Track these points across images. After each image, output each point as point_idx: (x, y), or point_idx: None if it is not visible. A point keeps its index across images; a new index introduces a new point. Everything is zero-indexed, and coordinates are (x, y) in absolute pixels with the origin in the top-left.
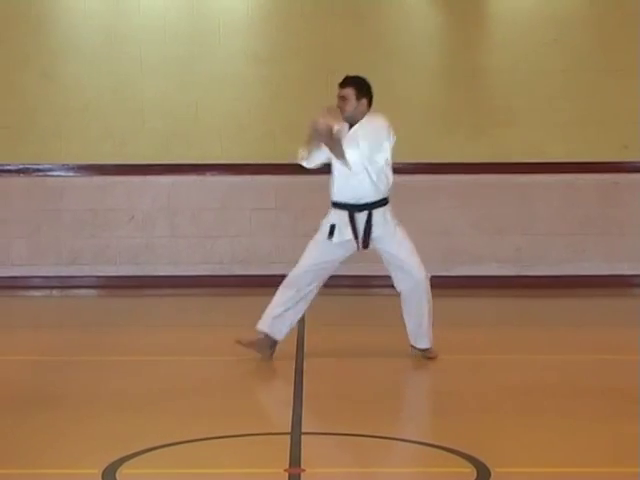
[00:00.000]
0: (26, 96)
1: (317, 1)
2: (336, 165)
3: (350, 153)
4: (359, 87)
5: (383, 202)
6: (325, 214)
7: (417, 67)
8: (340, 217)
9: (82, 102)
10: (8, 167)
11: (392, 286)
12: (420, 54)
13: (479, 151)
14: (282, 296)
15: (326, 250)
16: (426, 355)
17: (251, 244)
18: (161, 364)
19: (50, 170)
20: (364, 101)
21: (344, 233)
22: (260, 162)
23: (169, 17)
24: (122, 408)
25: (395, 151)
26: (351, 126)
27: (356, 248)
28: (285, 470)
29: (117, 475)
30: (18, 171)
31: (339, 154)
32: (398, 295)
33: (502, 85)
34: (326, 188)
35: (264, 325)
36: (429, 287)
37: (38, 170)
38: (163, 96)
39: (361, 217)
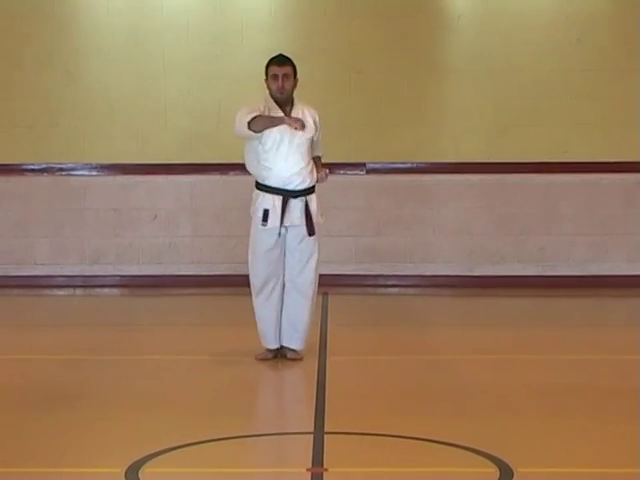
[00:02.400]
0: (49, 95)
1: (340, 0)
2: (272, 147)
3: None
4: (295, 66)
5: (314, 189)
6: (346, 213)
7: (440, 67)
8: (274, 202)
9: (105, 101)
10: (31, 166)
11: (408, 285)
12: (443, 53)
13: (502, 151)
14: (264, 310)
15: (269, 247)
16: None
17: None
18: (183, 363)
19: (73, 169)
20: (296, 81)
21: (278, 219)
22: None
23: (192, 16)
24: (144, 407)
25: (419, 151)
26: (280, 105)
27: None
28: (307, 469)
29: (140, 474)
30: (41, 170)
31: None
32: (413, 295)
33: (526, 85)
34: (349, 188)
35: (274, 343)
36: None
37: (61, 169)
38: (186, 95)
39: (296, 203)
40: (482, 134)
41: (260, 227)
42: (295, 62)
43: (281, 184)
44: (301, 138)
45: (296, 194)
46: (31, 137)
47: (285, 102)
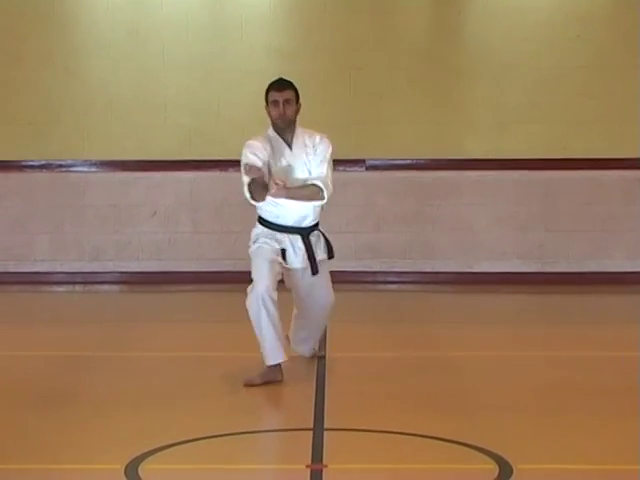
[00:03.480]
0: (49, 92)
1: None
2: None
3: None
4: (297, 91)
5: (318, 224)
6: (346, 210)
7: (440, 63)
8: (291, 241)
9: (105, 98)
10: (31, 163)
11: (408, 282)
12: (442, 50)
13: (502, 147)
14: (269, 328)
15: (274, 265)
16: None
17: None
18: (183, 360)
19: (73, 166)
20: (299, 106)
21: (297, 259)
22: None
23: (192, 13)
24: (144, 403)
25: (419, 148)
26: (281, 133)
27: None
28: (307, 466)
29: (139, 470)
30: (41, 167)
31: (307, 197)
32: (413, 291)
33: (525, 81)
34: (349, 184)
35: (277, 357)
36: None
37: (61, 166)
38: (186, 92)
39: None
40: (482, 131)
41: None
42: (294, 60)
43: (295, 222)
44: (303, 174)
45: (309, 230)
46: (31, 134)
47: (286, 129)
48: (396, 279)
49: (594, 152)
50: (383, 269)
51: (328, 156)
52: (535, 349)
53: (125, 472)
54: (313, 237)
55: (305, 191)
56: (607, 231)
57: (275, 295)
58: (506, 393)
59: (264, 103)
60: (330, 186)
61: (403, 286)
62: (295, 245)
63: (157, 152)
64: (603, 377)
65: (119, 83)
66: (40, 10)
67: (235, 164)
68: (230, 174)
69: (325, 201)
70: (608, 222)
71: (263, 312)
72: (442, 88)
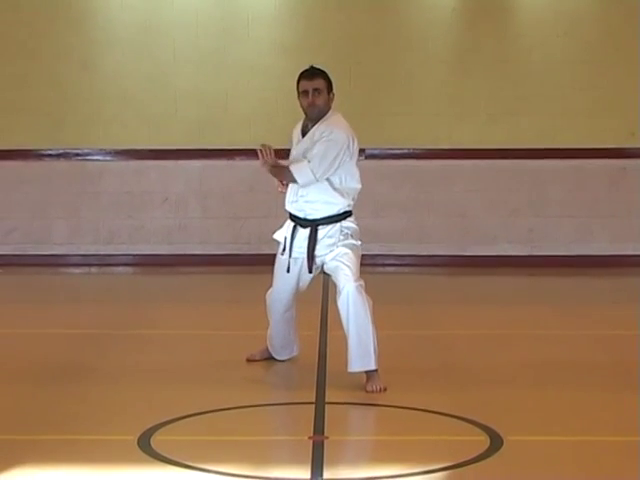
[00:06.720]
0: (67, 85)
1: None
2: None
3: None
4: (329, 80)
5: (336, 218)
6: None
7: (436, 58)
8: (289, 230)
9: (119, 91)
10: (50, 152)
11: (405, 265)
12: (438, 45)
13: (494, 137)
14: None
15: (289, 275)
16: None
17: (278, 225)
18: (192, 337)
19: (89, 155)
20: (332, 96)
21: (293, 250)
22: (286, 147)
23: (201, 10)
24: (156, 379)
25: (416, 138)
26: (311, 123)
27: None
28: (309, 438)
29: (151, 441)
30: (59, 156)
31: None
32: (409, 273)
33: (515, 75)
34: None
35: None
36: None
37: (78, 155)
38: (195, 85)
39: (304, 233)
40: (474, 122)
41: (279, 256)
42: (298, 55)
43: (292, 209)
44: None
45: (307, 223)
46: (49, 124)
47: (317, 120)
48: (394, 262)
49: (580, 142)
50: (382, 252)
51: (323, 145)
52: (524, 328)
53: (138, 443)
54: (306, 231)
55: (287, 172)
56: (592, 217)
57: (282, 307)
58: (497, 369)
59: (271, 96)
60: (310, 173)
61: (400, 268)
62: (288, 235)
63: (168, 142)
64: (589, 353)
65: (132, 77)
66: (58, 8)
67: (242, 153)
68: (237, 163)
69: (301, 184)
70: (593, 208)
71: (268, 313)
72: (437, 81)
